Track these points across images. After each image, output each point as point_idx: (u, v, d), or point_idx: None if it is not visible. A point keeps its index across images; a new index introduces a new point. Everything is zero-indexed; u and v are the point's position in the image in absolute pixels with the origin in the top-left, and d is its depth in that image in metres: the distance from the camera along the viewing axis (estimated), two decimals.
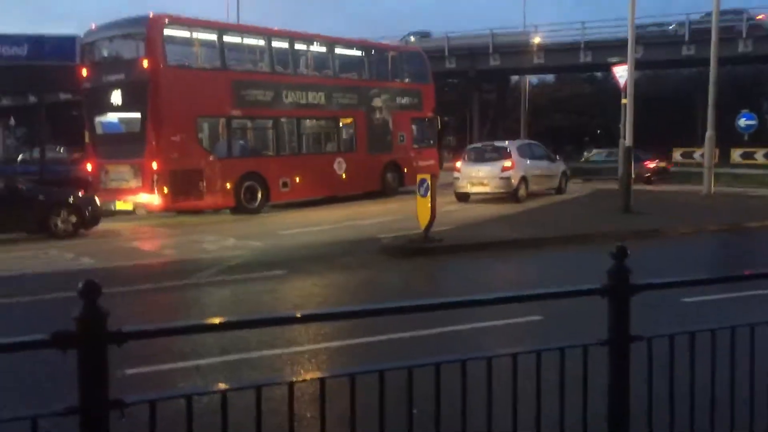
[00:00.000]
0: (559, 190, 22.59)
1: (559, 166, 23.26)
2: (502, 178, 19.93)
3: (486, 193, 20.41)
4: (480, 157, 20.89)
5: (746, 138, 33.21)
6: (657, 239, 13.68)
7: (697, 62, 40.44)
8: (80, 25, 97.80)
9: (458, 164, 21.14)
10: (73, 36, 25.92)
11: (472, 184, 20.33)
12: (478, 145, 23.68)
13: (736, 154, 37.24)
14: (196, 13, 20.73)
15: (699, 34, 37.21)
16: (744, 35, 38.57)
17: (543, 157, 22.39)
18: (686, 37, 39.78)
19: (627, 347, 2.98)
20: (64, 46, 25.79)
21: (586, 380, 2.97)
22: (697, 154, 35.45)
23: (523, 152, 21.22)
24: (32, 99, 40.67)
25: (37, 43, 26.20)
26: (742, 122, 30.59)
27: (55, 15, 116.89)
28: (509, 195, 19.99)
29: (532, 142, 23.86)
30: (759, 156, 37.94)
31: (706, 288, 7.47)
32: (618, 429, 3.02)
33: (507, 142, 22.81)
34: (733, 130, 31.90)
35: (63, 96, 41.81)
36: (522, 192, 20.26)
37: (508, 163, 20.03)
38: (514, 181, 20.05)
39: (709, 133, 21.44)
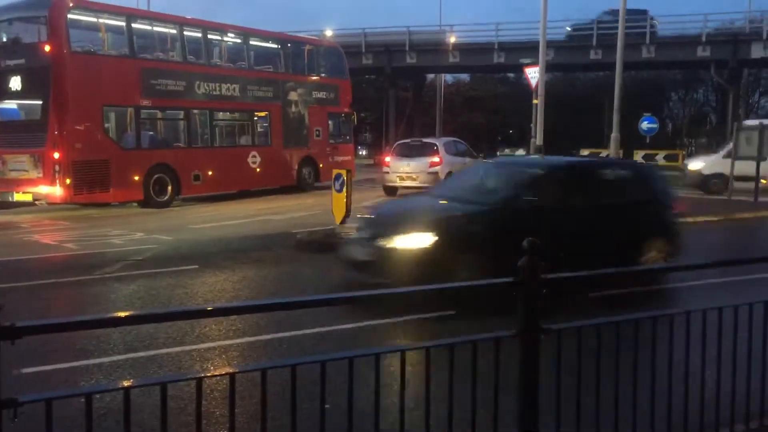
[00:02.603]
0: None
1: None
2: (430, 173, 20.87)
3: (415, 187, 21.09)
4: (409, 153, 21.75)
5: (648, 140, 34.84)
6: None
7: (604, 66, 42.12)
8: None
9: (387, 159, 22.02)
10: None
11: (401, 179, 21.21)
12: (407, 140, 24.42)
13: (638, 156, 39.01)
14: None
15: (606, 38, 38.77)
16: (648, 41, 40.41)
17: (466, 153, 23.44)
18: (594, 42, 41.31)
19: (537, 338, 3.04)
20: None
21: (497, 371, 3.01)
22: (603, 155, 36.90)
23: (449, 149, 22.21)
24: None
25: None
26: (644, 125, 32.02)
27: None
28: None
29: (457, 139, 24.69)
30: (659, 158, 39.94)
31: (611, 283, 7.74)
32: (527, 418, 3.08)
33: (434, 138, 23.69)
34: (636, 133, 33.40)
35: None
36: None
37: (436, 159, 21.11)
38: (442, 176, 20.85)
39: (614, 134, 22.37)
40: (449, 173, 21.22)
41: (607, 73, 42.02)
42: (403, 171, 21.16)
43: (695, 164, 24.56)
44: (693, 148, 60.06)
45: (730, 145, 22.09)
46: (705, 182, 22.88)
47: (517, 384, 3.06)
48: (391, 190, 21.50)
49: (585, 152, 42.57)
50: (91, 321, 2.61)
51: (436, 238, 7.80)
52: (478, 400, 3.00)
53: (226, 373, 2.62)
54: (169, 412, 2.43)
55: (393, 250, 7.92)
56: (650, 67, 46.79)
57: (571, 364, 3.19)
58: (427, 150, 21.59)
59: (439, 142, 22.66)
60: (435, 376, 2.87)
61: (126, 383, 2.43)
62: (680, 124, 68.17)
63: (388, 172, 21.56)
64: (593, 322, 3.35)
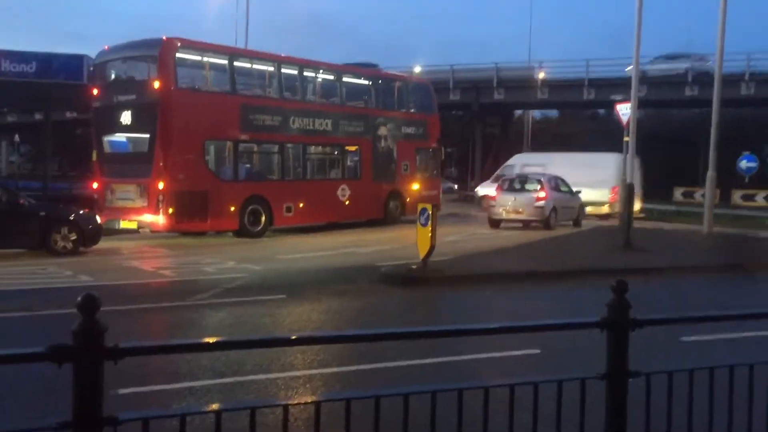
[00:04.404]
0: (576, 222, 23.89)
1: (578, 200, 24.59)
2: (536, 207, 21.98)
3: (520, 221, 22.27)
4: (514, 187, 22.88)
5: (747, 180, 33.24)
6: (656, 276, 13.64)
7: (701, 103, 40.68)
8: (87, 45, 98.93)
9: (493, 193, 23.40)
10: (81, 55, 26.10)
11: (507, 212, 22.28)
12: (513, 176, 25.50)
13: (736, 196, 37.28)
14: (206, 38, 20.96)
15: (702, 75, 37.56)
16: (747, 78, 38.88)
17: (566, 190, 23.99)
18: (689, 78, 40.07)
19: (625, 382, 2.97)
20: (71, 65, 25.96)
21: (583, 414, 2.95)
22: (698, 194, 35.48)
23: (552, 185, 23.04)
24: (38, 116, 41.00)
25: (45, 61, 26.35)
26: (744, 164, 30.62)
27: (62, 34, 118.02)
28: (542, 223, 21.92)
29: (557, 176, 24.65)
30: (759, 198, 38.00)
31: (705, 327, 7.43)
32: None
33: (539, 174, 24.50)
34: (734, 172, 31.96)
35: (69, 115, 42.21)
36: (552, 221, 22.02)
37: (542, 194, 22.15)
38: (547, 211, 21.93)
39: (711, 173, 21.48)
40: (554, 208, 21.98)
41: (704, 110, 40.55)
42: (509, 205, 22.15)
43: (479, 188, 33.99)
44: None
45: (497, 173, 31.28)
46: (479, 202, 30.82)
47: (604, 428, 2.99)
48: (495, 223, 22.50)
49: (679, 191, 41.05)
50: (187, 345, 2.74)
51: None
52: None
53: (312, 401, 2.69)
54: None
55: None
56: (750, 104, 44.84)
57: (661, 410, 3.08)
58: (533, 185, 22.62)
59: (543, 177, 23.38)
60: (518, 415, 2.85)
61: (216, 406, 2.53)
62: None
63: (493, 206, 22.60)
64: (685, 367, 3.23)
